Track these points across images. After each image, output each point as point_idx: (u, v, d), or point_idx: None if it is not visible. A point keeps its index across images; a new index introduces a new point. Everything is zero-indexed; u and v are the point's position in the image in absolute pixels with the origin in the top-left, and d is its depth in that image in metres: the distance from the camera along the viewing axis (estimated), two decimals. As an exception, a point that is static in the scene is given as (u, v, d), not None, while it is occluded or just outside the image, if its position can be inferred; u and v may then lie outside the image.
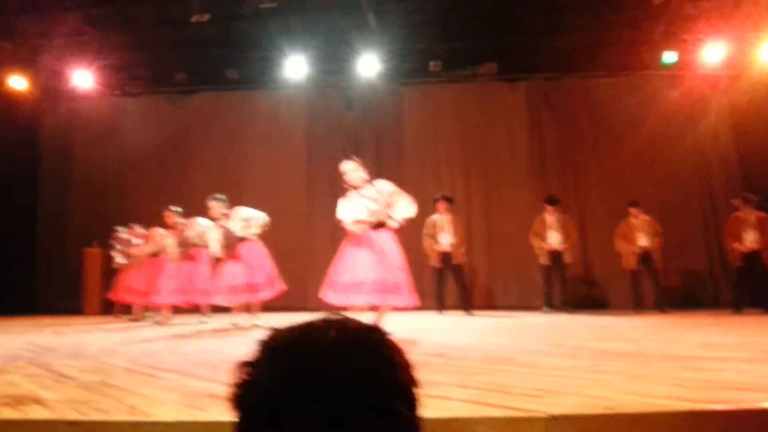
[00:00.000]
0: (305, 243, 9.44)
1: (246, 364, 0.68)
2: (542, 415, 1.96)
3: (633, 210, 7.98)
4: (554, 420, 1.96)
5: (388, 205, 4.68)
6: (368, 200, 4.67)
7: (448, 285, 8.13)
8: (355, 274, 4.46)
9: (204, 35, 8.94)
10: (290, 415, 0.63)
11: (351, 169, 4.77)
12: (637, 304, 7.85)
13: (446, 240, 7.99)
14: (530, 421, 1.97)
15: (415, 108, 9.64)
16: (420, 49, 9.19)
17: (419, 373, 0.71)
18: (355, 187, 4.76)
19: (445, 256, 7.99)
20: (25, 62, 9.26)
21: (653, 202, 8.54)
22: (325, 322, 0.71)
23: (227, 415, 1.90)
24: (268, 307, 6.21)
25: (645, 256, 7.87)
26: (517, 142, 9.48)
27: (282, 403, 0.64)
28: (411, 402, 0.69)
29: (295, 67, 9.09)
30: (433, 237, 8.03)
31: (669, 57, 8.98)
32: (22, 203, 9.80)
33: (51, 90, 9.79)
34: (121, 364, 3.27)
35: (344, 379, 0.64)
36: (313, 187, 9.59)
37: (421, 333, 4.96)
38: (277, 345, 0.69)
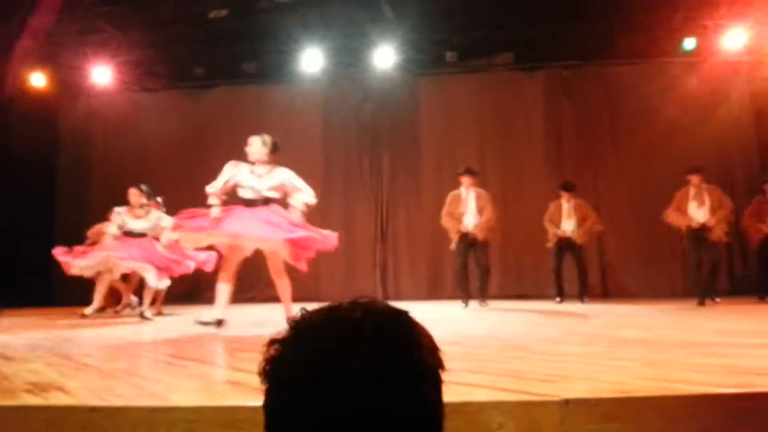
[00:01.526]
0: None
1: (275, 341, 0.70)
2: (555, 398, 1.97)
3: (694, 178, 6.95)
4: (567, 404, 1.96)
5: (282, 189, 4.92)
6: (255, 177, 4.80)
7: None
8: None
9: (222, 30, 9.00)
10: (315, 394, 0.65)
11: (251, 144, 5.03)
12: (698, 287, 6.80)
13: (471, 219, 7.22)
14: (543, 404, 1.98)
15: (432, 99, 9.62)
16: (436, 39, 9.16)
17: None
18: (251, 162, 4.95)
19: (468, 236, 7.19)
20: (46, 60, 9.40)
21: (672, 190, 8.43)
22: (353, 304, 0.72)
23: (245, 401, 1.93)
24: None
25: (701, 233, 6.80)
26: (535, 132, 9.43)
27: (308, 381, 0.66)
28: (436, 384, 0.71)
29: (312, 60, 9.12)
30: (454, 215, 7.28)
31: (689, 43, 8.85)
32: (41, 199, 9.97)
33: (71, 87, 9.93)
34: (140, 352, 3.33)
35: (368, 359, 0.66)
36: (329, 179, 9.62)
37: (437, 322, 4.96)
38: (304, 324, 0.71)
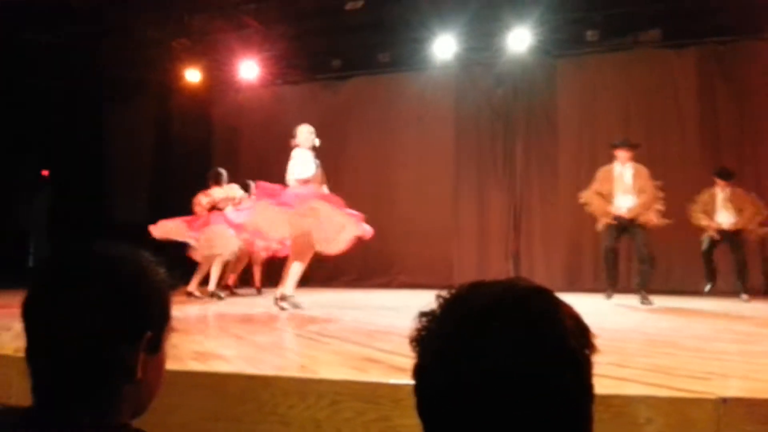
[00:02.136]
0: (451, 221, 9.50)
1: (425, 314, 0.73)
2: (711, 396, 1.86)
3: None
4: (725, 403, 1.84)
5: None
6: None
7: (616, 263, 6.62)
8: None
9: (357, 21, 9.23)
10: (455, 366, 0.67)
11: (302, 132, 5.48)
12: None
13: (626, 201, 6.16)
14: (698, 402, 1.87)
15: (569, 81, 9.23)
16: (575, 18, 8.75)
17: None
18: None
19: (621, 220, 6.19)
20: (199, 57, 10.17)
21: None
22: (497, 281, 0.74)
23: (385, 378, 2.01)
24: (414, 285, 6.37)
25: None
26: (686, 114, 8.73)
27: (449, 353, 0.68)
28: (578, 367, 0.69)
29: (445, 46, 9.09)
30: (602, 193, 6.28)
31: None
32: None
33: (221, 82, 10.67)
34: (287, 329, 3.55)
35: (504, 333, 0.66)
36: (461, 166, 9.59)
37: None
38: (450, 298, 0.74)
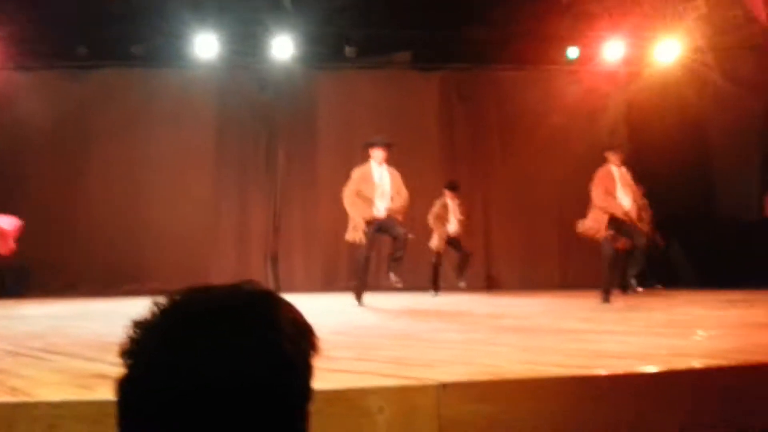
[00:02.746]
0: (209, 224, 9.24)
1: (136, 324, 0.68)
2: (433, 382, 2.03)
3: (613, 157, 6.10)
4: (443, 387, 2.03)
5: None
6: None
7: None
8: None
9: (108, 8, 8.50)
10: (167, 378, 0.63)
11: None
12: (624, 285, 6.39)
13: (384, 203, 6.08)
14: (421, 389, 2.04)
15: (330, 93, 9.59)
16: (335, 33, 9.13)
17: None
18: None
19: (378, 222, 6.11)
20: None
21: (554, 195, 8.90)
22: (219, 286, 0.71)
23: (113, 395, 1.83)
24: (168, 291, 5.96)
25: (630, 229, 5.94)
26: (429, 131, 9.64)
27: (161, 364, 0.64)
28: (291, 370, 0.69)
29: (206, 45, 8.81)
30: (363, 195, 6.10)
31: (572, 53, 9.36)
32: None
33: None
34: (3, 347, 3.09)
35: (217, 344, 0.64)
36: (222, 169, 9.38)
37: (329, 314, 4.97)
38: (165, 306, 0.69)
